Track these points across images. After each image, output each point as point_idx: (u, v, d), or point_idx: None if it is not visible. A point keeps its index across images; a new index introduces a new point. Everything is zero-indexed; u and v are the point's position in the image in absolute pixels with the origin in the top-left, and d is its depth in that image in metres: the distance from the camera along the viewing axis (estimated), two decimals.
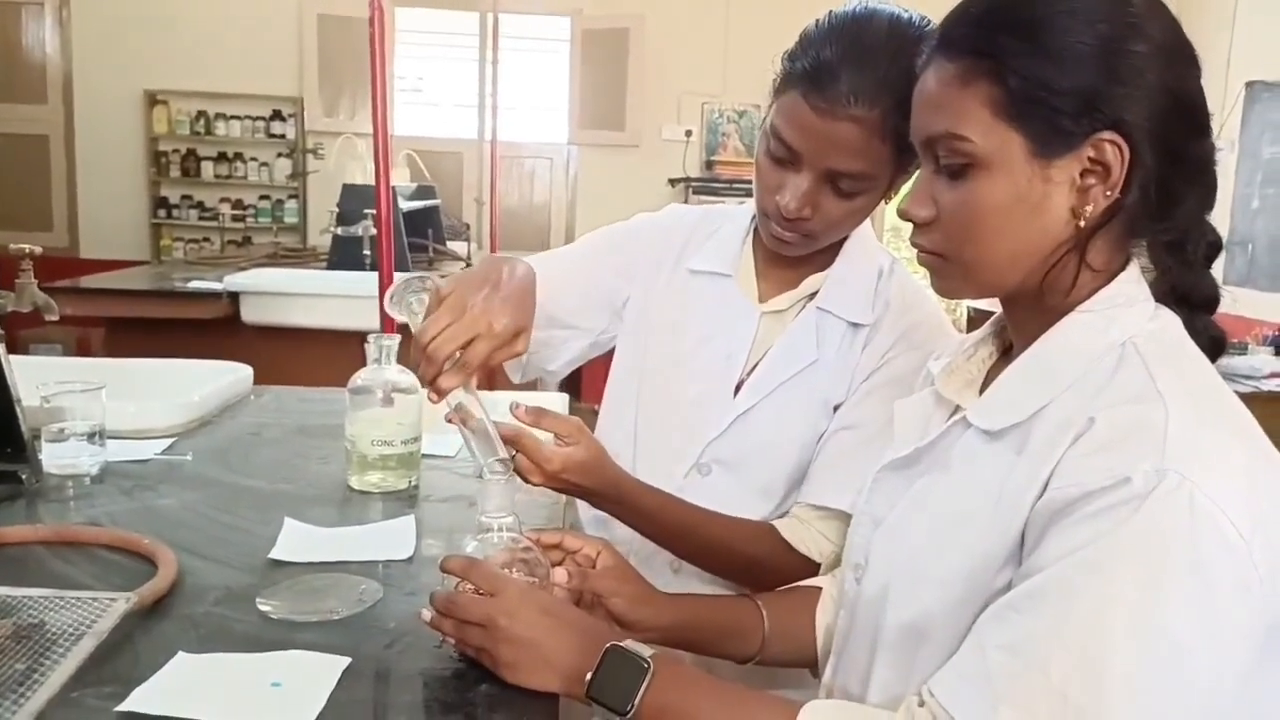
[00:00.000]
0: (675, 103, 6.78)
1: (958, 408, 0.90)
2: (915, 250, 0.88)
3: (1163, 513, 0.69)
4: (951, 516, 0.84)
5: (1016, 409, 0.82)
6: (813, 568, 1.20)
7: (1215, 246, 0.84)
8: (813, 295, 1.27)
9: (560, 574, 1.02)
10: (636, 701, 0.84)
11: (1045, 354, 0.83)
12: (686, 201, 6.44)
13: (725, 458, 1.26)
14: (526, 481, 1.12)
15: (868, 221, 1.27)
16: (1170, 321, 0.83)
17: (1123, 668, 0.68)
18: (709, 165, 6.77)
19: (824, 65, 1.08)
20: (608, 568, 1.06)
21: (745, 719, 0.84)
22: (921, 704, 0.77)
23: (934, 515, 0.86)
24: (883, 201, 1.22)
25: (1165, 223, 0.82)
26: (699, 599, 1.14)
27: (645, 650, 0.87)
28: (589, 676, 0.85)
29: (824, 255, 1.27)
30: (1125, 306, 0.82)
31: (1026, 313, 0.87)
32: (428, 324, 1.01)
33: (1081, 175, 0.79)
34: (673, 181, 6.66)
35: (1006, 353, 0.93)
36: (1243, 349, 4.51)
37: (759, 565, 1.21)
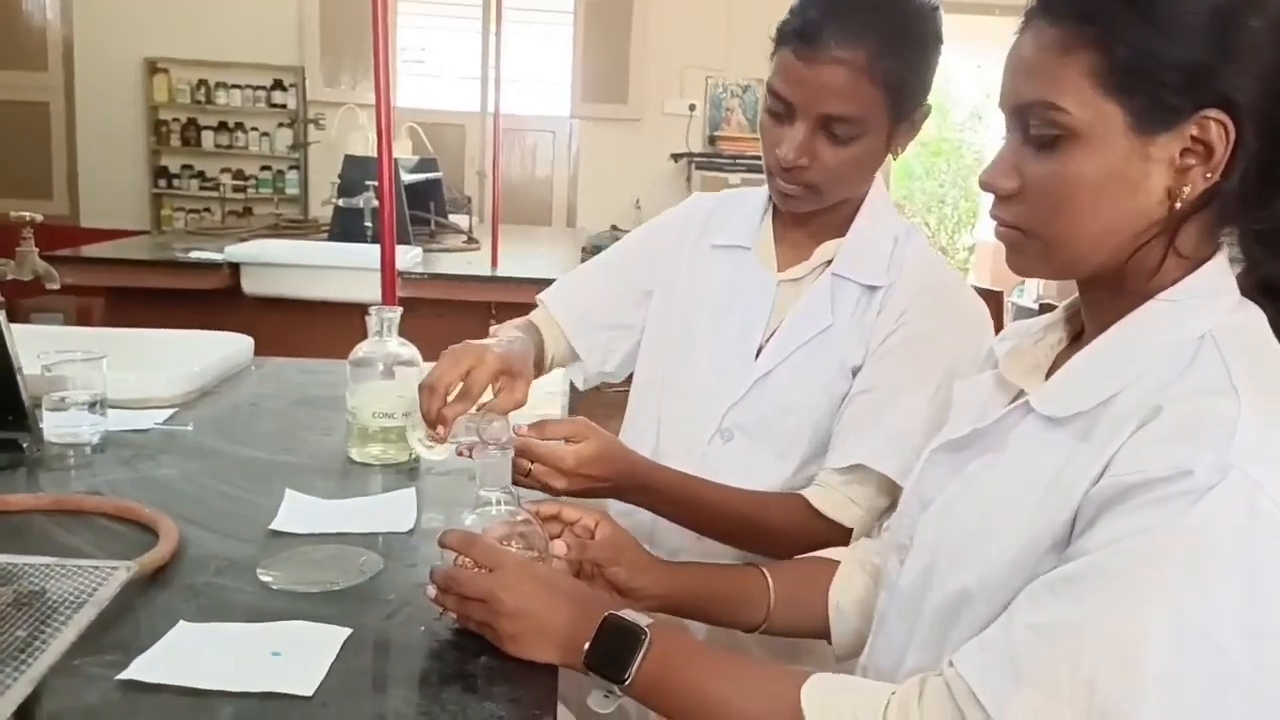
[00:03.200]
0: (678, 76, 6.73)
1: (1020, 392, 0.88)
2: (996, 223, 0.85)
3: (1222, 510, 0.66)
4: (1003, 501, 0.81)
5: (1084, 396, 0.79)
6: (845, 534, 1.20)
7: None
8: (829, 263, 1.30)
9: (559, 546, 1.03)
10: (633, 671, 0.84)
11: (1120, 341, 0.80)
12: (689, 178, 6.43)
13: (745, 423, 1.29)
14: (550, 491, 1.14)
15: (883, 188, 1.30)
16: (1255, 316, 0.79)
17: (1157, 665, 0.65)
18: (712, 140, 6.73)
19: (809, 21, 1.16)
20: (606, 537, 1.07)
21: (744, 689, 0.83)
22: (939, 674, 0.76)
23: (985, 499, 0.84)
24: (890, 157, 1.26)
25: (1262, 211, 0.78)
26: (701, 567, 1.14)
27: (643, 619, 0.87)
28: (586, 646, 0.86)
29: (839, 223, 1.29)
30: (1209, 297, 0.78)
31: (1104, 297, 0.83)
32: (429, 374, 1.10)
33: (1182, 154, 0.75)
34: (675, 156, 6.63)
35: (1076, 339, 0.90)
36: None
37: (790, 536, 1.20)
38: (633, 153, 6.59)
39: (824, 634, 1.09)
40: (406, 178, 4.07)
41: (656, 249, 1.44)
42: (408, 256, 3.23)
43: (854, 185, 1.27)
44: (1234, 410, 0.69)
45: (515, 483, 1.08)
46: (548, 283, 3.96)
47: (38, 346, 1.43)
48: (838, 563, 1.10)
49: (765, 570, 1.10)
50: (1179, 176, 0.76)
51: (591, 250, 6.33)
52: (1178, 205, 0.76)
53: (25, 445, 1.35)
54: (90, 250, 3.50)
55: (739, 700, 0.83)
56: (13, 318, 1.36)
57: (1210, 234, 0.80)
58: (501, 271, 3.66)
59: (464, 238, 4.43)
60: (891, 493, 1.19)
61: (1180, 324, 0.77)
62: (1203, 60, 0.74)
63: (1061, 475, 0.77)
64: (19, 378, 1.35)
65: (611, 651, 0.85)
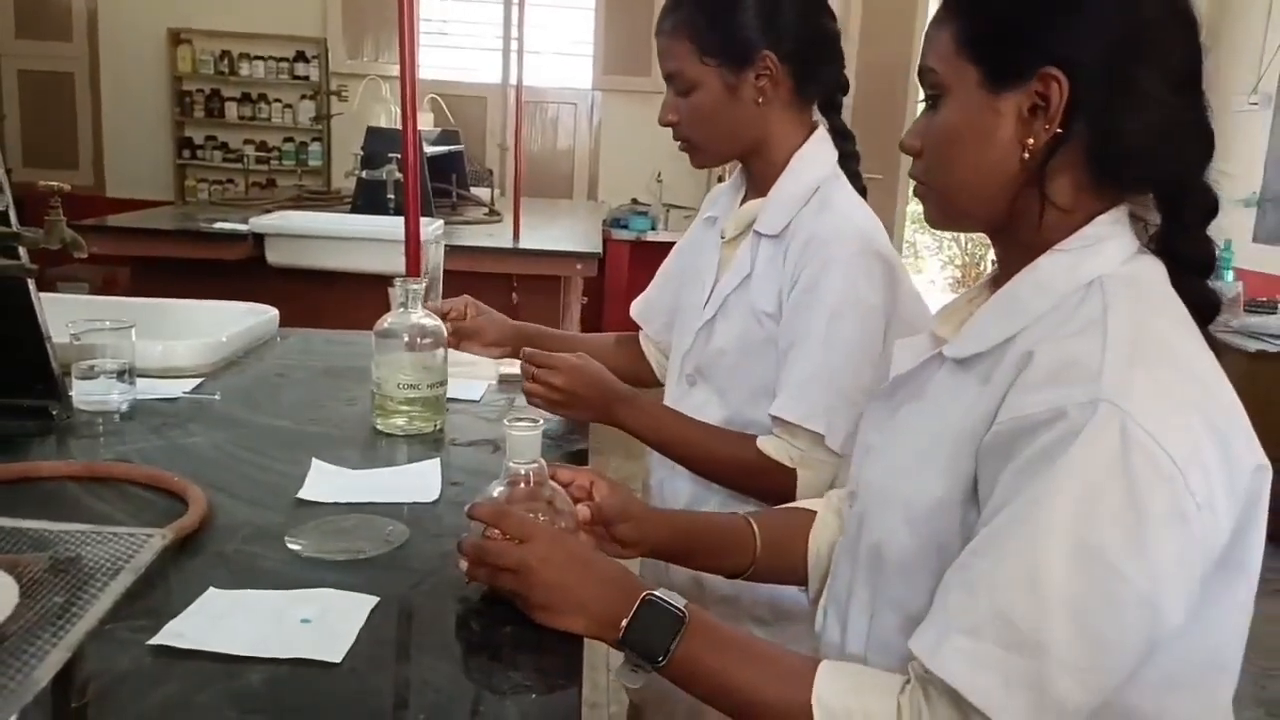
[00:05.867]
0: None
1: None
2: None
3: (1097, 442, 0.71)
4: (922, 444, 0.87)
5: (982, 338, 0.86)
6: (789, 474, 1.32)
7: (1210, 209, 0.84)
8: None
9: (583, 510, 1.05)
10: (669, 652, 0.86)
11: (1016, 289, 0.86)
12: None
13: (699, 368, 1.45)
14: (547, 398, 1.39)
15: (819, 147, 1.40)
16: (1151, 266, 0.84)
17: (1062, 591, 0.71)
18: None
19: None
20: (608, 494, 1.08)
21: (768, 675, 0.85)
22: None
23: (907, 443, 0.90)
24: (751, 103, 1.36)
25: (1140, 171, 0.83)
26: (692, 515, 1.21)
27: (679, 601, 0.88)
28: (624, 623, 0.87)
29: (770, 184, 1.41)
30: (1097, 246, 0.83)
31: (1009, 251, 0.90)
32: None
33: (1031, 110, 0.83)
34: None
35: None
36: (1272, 308, 4.44)
37: (740, 468, 1.36)
38: (654, 125, 6.40)
39: (803, 581, 1.12)
40: (428, 150, 4.06)
41: (689, 235, 1.64)
42: (430, 229, 3.23)
43: (719, 135, 1.40)
44: (1099, 347, 0.75)
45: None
46: (569, 255, 3.98)
47: (65, 315, 1.44)
48: (815, 513, 1.14)
49: (751, 519, 1.13)
50: (1025, 129, 0.83)
51: (612, 223, 6.32)
52: (1026, 155, 0.83)
53: (55, 413, 1.37)
54: (116, 220, 3.52)
55: (762, 687, 0.84)
56: (39, 286, 1.37)
57: (1089, 188, 0.84)
58: (523, 244, 3.65)
59: (485, 210, 4.44)
60: (817, 440, 1.30)
61: (1073, 271, 0.83)
62: (1042, 23, 0.82)
63: (966, 419, 0.82)
64: (48, 346, 1.36)
65: (649, 632, 0.87)
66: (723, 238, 1.48)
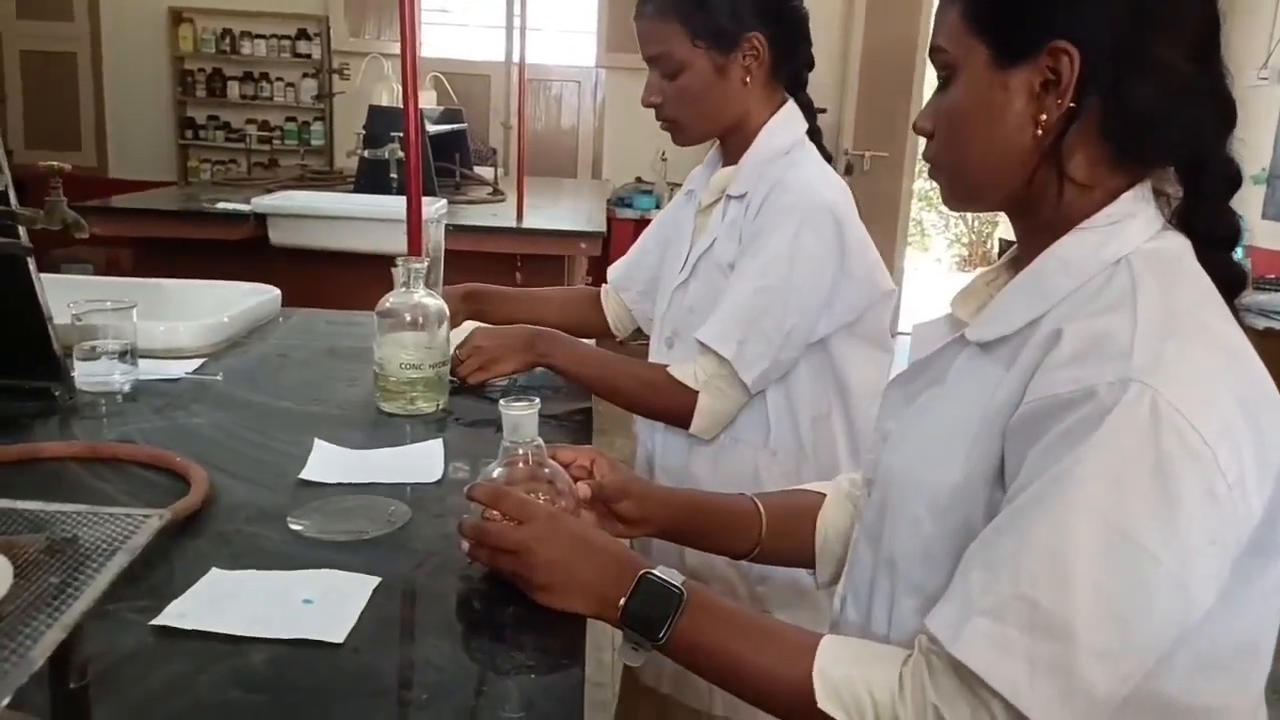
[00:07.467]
0: None
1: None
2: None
3: (1127, 422, 0.69)
4: (943, 430, 0.85)
5: (1007, 321, 0.84)
6: (692, 393, 1.41)
7: (1232, 181, 0.82)
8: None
9: (583, 489, 1.04)
10: (668, 630, 0.85)
11: (1041, 269, 0.84)
12: None
13: (676, 328, 1.52)
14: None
15: (788, 119, 1.47)
16: (1176, 242, 0.82)
17: (1089, 573, 0.69)
18: None
19: None
20: (609, 473, 1.08)
21: (770, 650, 0.84)
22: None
23: (929, 429, 0.88)
24: (738, 82, 1.43)
25: (1158, 144, 0.81)
26: (697, 494, 1.20)
27: (677, 578, 0.88)
28: (622, 602, 0.86)
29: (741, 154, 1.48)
30: (1123, 223, 0.81)
31: (1030, 230, 0.88)
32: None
33: (1043, 86, 0.81)
34: None
35: None
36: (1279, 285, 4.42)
37: (651, 385, 1.45)
38: None
39: (809, 563, 1.12)
40: (431, 129, 4.04)
41: (669, 208, 1.71)
42: (433, 208, 3.21)
43: (705, 114, 1.46)
44: (1129, 325, 0.73)
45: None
46: (573, 234, 3.96)
47: (67, 296, 1.43)
48: (824, 495, 1.13)
49: (757, 500, 1.12)
50: (1037, 106, 0.82)
51: (616, 202, 6.30)
52: (1039, 132, 0.82)
53: (57, 394, 1.36)
54: (118, 201, 3.51)
55: (764, 662, 0.84)
56: (42, 267, 1.37)
57: (1108, 162, 0.82)
58: (527, 224, 3.64)
59: (489, 189, 4.42)
60: (724, 366, 1.38)
61: (1099, 250, 0.81)
62: None
63: (991, 403, 0.80)
64: (50, 326, 1.36)
65: (647, 610, 0.86)
66: (700, 207, 1.55)
